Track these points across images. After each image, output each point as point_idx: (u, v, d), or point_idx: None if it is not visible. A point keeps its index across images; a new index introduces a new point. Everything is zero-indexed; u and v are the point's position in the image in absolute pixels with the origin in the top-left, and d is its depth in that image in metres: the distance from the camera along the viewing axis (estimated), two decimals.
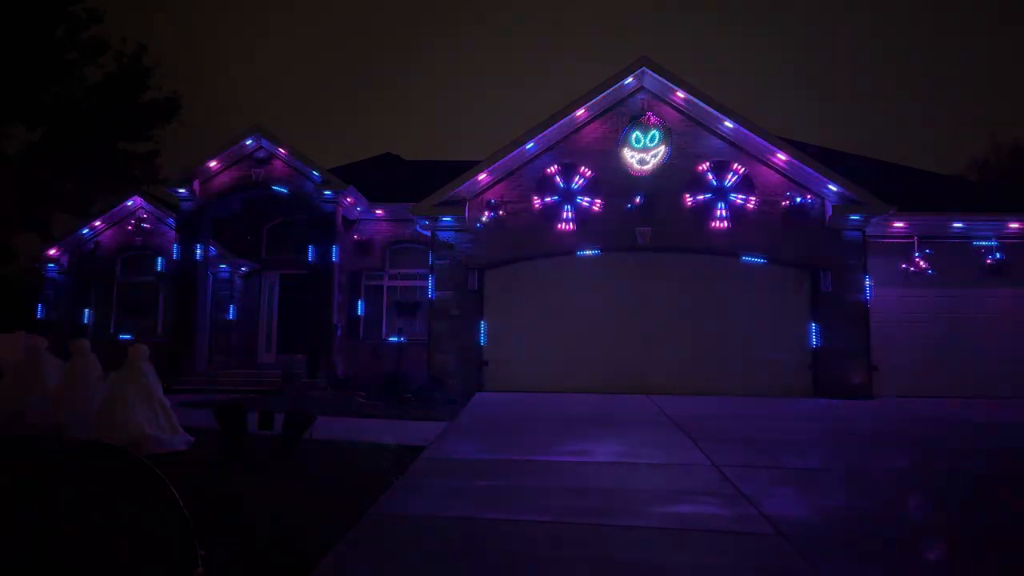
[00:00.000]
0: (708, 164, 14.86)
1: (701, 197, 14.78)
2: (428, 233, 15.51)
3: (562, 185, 14.98)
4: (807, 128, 58.86)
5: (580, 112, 14.95)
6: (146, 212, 19.19)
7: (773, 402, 13.12)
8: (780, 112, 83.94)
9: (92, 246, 19.35)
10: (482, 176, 14.99)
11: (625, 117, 15.08)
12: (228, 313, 18.25)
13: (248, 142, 16.73)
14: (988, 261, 15.07)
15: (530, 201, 15.06)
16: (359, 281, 17.88)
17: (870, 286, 14.68)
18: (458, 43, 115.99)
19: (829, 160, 15.42)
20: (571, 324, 14.78)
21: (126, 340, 17.41)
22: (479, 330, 14.88)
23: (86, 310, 19.10)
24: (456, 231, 15.12)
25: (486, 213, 15.01)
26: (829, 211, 14.60)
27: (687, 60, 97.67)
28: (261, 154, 16.85)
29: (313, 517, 5.00)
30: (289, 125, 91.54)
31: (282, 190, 16.78)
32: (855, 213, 14.46)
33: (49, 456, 3.83)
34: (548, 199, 15.00)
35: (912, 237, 15.17)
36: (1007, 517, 5.38)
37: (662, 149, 14.87)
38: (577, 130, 15.23)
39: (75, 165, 25.34)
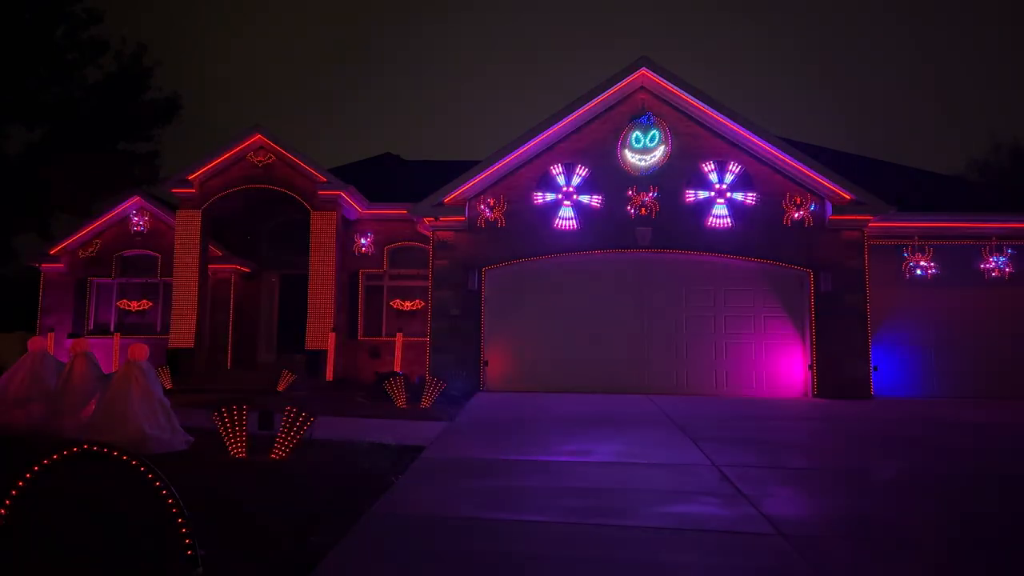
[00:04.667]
0: (708, 164, 14.86)
1: (701, 197, 14.79)
2: (428, 233, 15.51)
3: (562, 185, 14.98)
4: (807, 128, 58.91)
5: (580, 112, 14.93)
6: (146, 212, 19.19)
7: (772, 402, 13.12)
8: (780, 112, 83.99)
9: (92, 246, 19.35)
10: (482, 176, 14.99)
11: (625, 117, 15.07)
12: (228, 313, 18.25)
13: (248, 142, 16.73)
14: (988, 261, 15.06)
15: (530, 201, 15.07)
16: (359, 281, 17.88)
17: (870, 286, 14.68)
18: (459, 43, 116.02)
19: (829, 160, 15.43)
20: (571, 324, 14.77)
21: (126, 340, 17.42)
22: (479, 330, 14.88)
23: (86, 310, 19.13)
24: (456, 231, 15.13)
25: (486, 213, 15.02)
26: (829, 211, 14.59)
27: (687, 59, 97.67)
28: (261, 154, 16.85)
29: (313, 517, 5.00)
30: (289, 125, 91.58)
31: (282, 190, 16.76)
32: (855, 213, 14.45)
33: (49, 456, 3.83)
34: (548, 199, 15.01)
35: (912, 237, 15.17)
36: (1008, 518, 5.38)
37: (662, 149, 14.87)
38: (577, 130, 15.23)
39: (75, 165, 25.32)
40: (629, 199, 14.82)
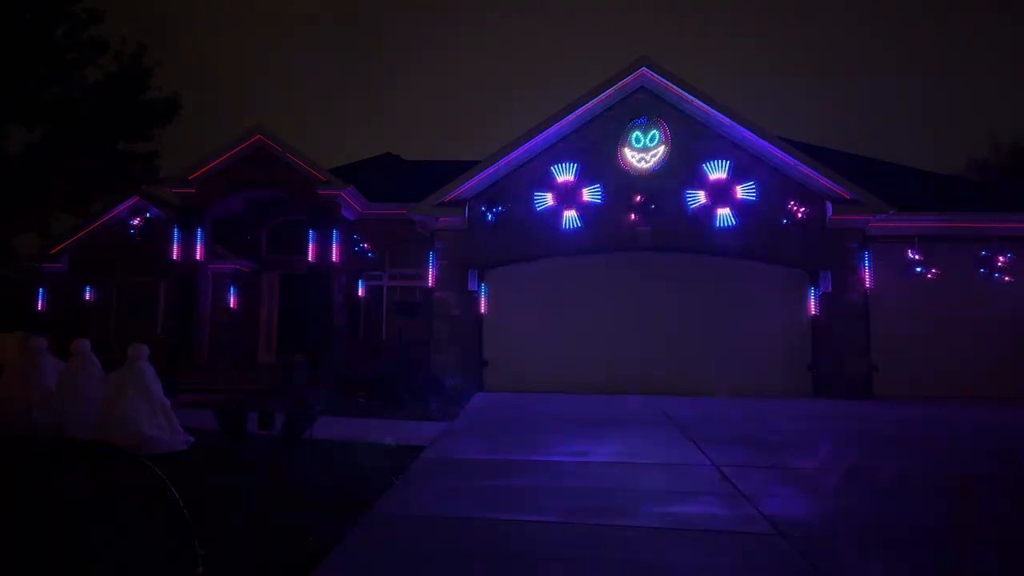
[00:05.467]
0: (708, 164, 14.85)
1: (701, 197, 14.78)
2: (428, 233, 15.51)
3: (562, 185, 14.97)
4: (807, 128, 58.94)
5: (580, 112, 14.93)
6: (146, 212, 19.20)
7: (773, 402, 13.11)
8: (780, 111, 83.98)
9: (92, 246, 19.36)
10: (482, 176, 14.98)
11: (625, 117, 15.07)
12: (228, 313, 18.24)
13: (248, 142, 16.74)
14: (988, 261, 15.05)
15: (530, 201, 15.06)
16: (359, 281, 17.89)
17: (870, 286, 14.67)
18: (459, 43, 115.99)
19: (829, 160, 15.43)
20: (571, 324, 14.77)
21: (126, 340, 17.41)
22: (479, 330, 14.87)
23: (86, 310, 19.13)
24: (456, 231, 15.12)
25: (486, 213, 15.01)
26: (829, 211, 14.59)
27: (687, 59, 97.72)
28: (261, 154, 16.84)
29: (313, 517, 5.00)
30: (289, 125, 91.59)
31: (282, 190, 16.77)
32: (855, 213, 14.45)
33: (49, 456, 3.83)
34: (548, 199, 14.99)
35: (912, 237, 15.17)
36: (1009, 518, 5.38)
37: (661, 149, 14.87)
38: (577, 130, 15.22)
39: (75, 165, 25.27)
40: (629, 199, 14.81)
